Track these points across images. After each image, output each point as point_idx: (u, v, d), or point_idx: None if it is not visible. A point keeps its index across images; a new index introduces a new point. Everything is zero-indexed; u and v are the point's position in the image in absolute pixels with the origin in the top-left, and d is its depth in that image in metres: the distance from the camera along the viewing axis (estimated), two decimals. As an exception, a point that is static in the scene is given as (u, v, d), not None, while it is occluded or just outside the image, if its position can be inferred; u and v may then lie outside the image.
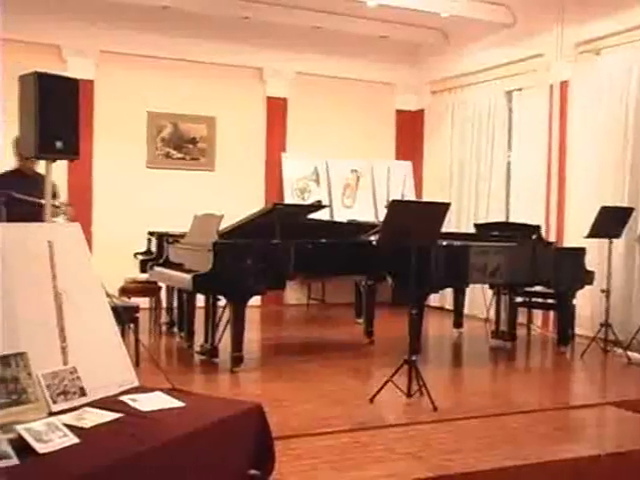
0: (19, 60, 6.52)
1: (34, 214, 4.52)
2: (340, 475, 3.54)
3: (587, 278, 6.97)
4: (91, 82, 8.60)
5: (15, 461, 2.33)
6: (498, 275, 6.47)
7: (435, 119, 10.27)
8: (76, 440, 2.57)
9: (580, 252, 6.94)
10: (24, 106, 4.39)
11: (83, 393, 3.08)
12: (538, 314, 8.11)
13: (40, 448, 2.45)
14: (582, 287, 6.99)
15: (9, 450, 2.35)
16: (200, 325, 6.40)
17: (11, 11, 8.13)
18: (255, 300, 6.23)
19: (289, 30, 9.39)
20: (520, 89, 8.88)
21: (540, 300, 7.57)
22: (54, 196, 5.96)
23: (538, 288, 7.33)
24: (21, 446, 2.42)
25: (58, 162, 4.68)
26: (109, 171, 8.80)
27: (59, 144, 4.34)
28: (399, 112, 10.62)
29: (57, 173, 5.00)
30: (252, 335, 6.87)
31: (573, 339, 7.08)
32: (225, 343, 5.92)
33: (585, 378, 6.17)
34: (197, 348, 6.33)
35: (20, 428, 2.50)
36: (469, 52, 9.48)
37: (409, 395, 4.86)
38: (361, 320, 7.70)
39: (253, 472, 3.29)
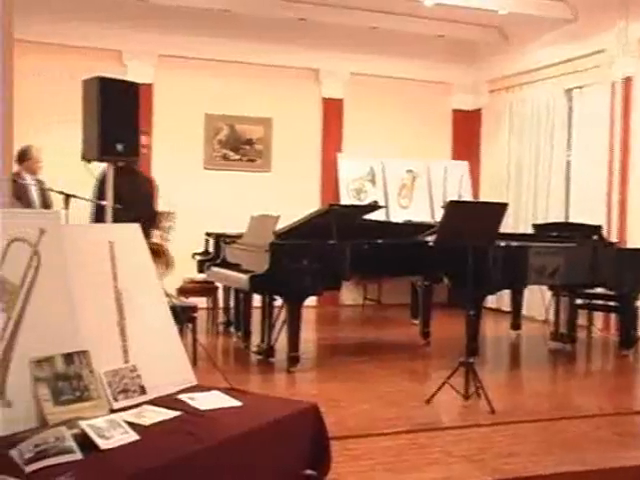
0: (82, 66, 6.71)
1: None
2: (396, 477, 3.52)
3: (650, 280, 6.80)
4: (150, 85, 8.75)
5: (79, 456, 2.39)
6: (557, 276, 6.36)
7: (492, 118, 10.14)
8: (136, 437, 2.61)
9: (643, 253, 6.77)
10: (87, 109, 4.50)
11: (143, 391, 3.13)
12: (599, 316, 7.94)
13: (102, 444, 2.50)
14: (645, 289, 6.82)
15: (74, 445, 2.41)
16: (257, 325, 6.46)
17: (74, 19, 8.40)
18: (311, 300, 6.25)
19: (345, 31, 9.39)
20: (581, 87, 8.70)
21: (601, 302, 7.41)
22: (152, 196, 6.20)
23: (599, 290, 7.18)
24: (84, 442, 2.48)
25: (119, 164, 4.79)
26: (167, 173, 8.93)
27: (120, 146, 4.44)
28: (456, 112, 10.52)
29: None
30: (308, 335, 6.89)
31: (636, 342, 6.90)
32: (281, 343, 5.96)
33: (648, 382, 6.02)
34: (254, 348, 6.38)
35: (84, 424, 2.56)
36: (528, 50, 9.33)
37: (466, 397, 4.81)
38: (417, 321, 7.65)
39: (309, 472, 3.30)
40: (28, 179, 6.41)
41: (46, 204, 6.44)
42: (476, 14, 8.80)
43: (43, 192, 6.44)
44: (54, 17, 8.26)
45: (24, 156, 6.55)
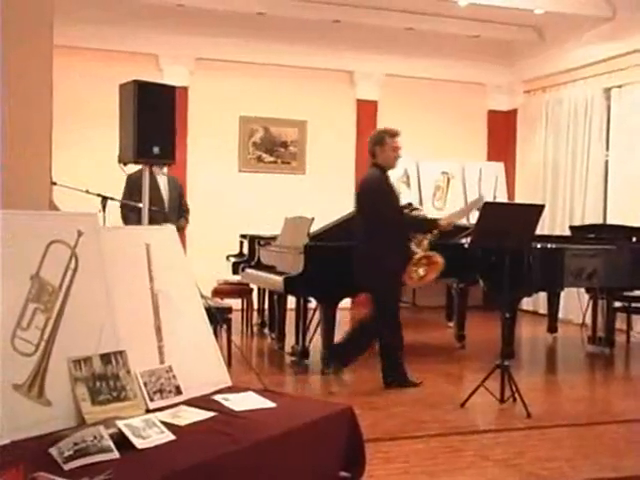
0: (118, 70, 6.79)
1: None
2: (431, 480, 3.51)
3: (691, 282, 6.67)
4: (185, 89, 8.83)
5: (116, 455, 2.42)
6: (595, 279, 6.27)
7: (528, 119, 10.05)
8: (172, 437, 2.64)
9: (684, 255, 6.64)
10: (124, 113, 4.56)
11: (178, 391, 3.16)
12: (638, 320, 7.81)
13: (139, 444, 2.53)
14: (686, 292, 6.70)
15: (111, 444, 2.45)
16: (291, 327, 6.48)
17: (112, 24, 8.51)
18: (345, 302, 6.25)
19: (379, 32, 9.38)
20: (620, 86, 8.57)
21: (640, 305, 7.29)
22: (181, 197, 6.38)
23: (638, 292, 7.07)
24: (121, 441, 2.51)
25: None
26: (202, 175, 9.02)
27: (156, 149, 4.49)
28: (491, 112, 10.45)
29: (154, 177, 5.19)
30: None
31: (676, 346, 6.79)
32: (316, 345, 5.97)
33: (689, 387, 5.91)
34: (288, 349, 6.40)
35: (120, 424, 2.59)
36: (565, 49, 9.22)
37: (502, 401, 4.77)
38: (452, 323, 7.61)
39: (344, 474, 3.30)
40: (157, 171, 6.22)
41: (176, 199, 6.47)
42: (511, 14, 8.72)
43: (174, 186, 6.49)
44: (92, 22, 8.38)
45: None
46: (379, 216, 5.14)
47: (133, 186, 5.75)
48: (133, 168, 4.95)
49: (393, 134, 5.25)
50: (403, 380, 5.26)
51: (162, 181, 6.30)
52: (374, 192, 5.19)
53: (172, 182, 6.47)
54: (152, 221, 5.24)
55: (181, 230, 6.30)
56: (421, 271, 4.94)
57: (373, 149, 5.23)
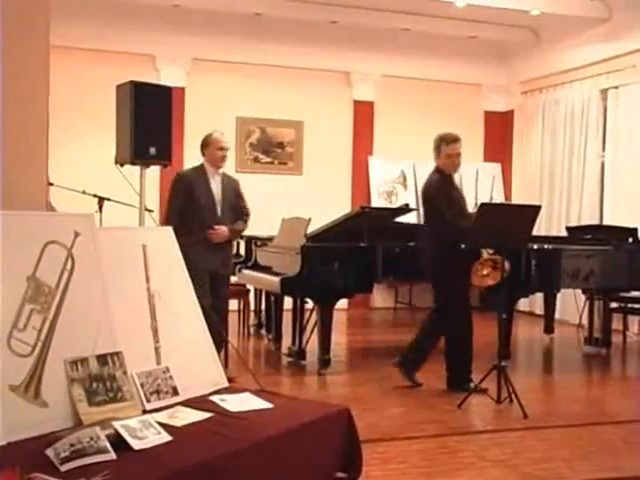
0: (115, 70, 6.78)
1: None
2: (428, 481, 3.51)
3: (688, 283, 6.69)
4: (182, 89, 8.84)
5: (113, 456, 2.42)
6: (591, 280, 6.29)
7: (525, 120, 10.06)
8: (169, 438, 2.64)
9: (680, 256, 6.66)
10: (120, 113, 4.56)
11: (175, 392, 3.16)
12: (634, 320, 7.83)
13: (135, 444, 2.53)
14: (682, 293, 6.71)
15: (107, 445, 2.44)
16: (288, 327, 6.47)
17: (108, 25, 8.51)
18: (342, 303, 6.25)
19: (376, 33, 9.39)
20: (616, 86, 8.59)
21: (637, 306, 7.30)
22: (239, 198, 5.51)
23: (634, 293, 7.08)
24: (118, 442, 2.51)
25: (151, 167, 4.84)
26: (199, 176, 8.99)
27: (153, 150, 4.49)
28: (487, 113, 10.46)
29: (150, 178, 5.18)
30: (339, 338, 6.90)
31: (672, 347, 6.81)
32: (312, 345, 5.97)
33: (686, 388, 5.92)
34: (285, 350, 6.40)
35: (117, 424, 2.59)
36: (561, 50, 9.24)
37: (499, 401, 4.77)
38: (449, 324, 7.60)
39: (340, 475, 3.30)
40: (210, 172, 5.40)
41: (232, 200, 5.46)
42: (508, 15, 8.74)
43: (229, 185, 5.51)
44: (88, 23, 8.38)
45: (203, 144, 5.51)
46: (435, 219, 5.18)
47: (183, 187, 5.28)
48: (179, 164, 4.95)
49: (449, 141, 5.24)
50: (459, 385, 5.18)
51: (215, 181, 5.44)
52: (430, 196, 5.23)
53: (228, 182, 5.52)
54: (204, 222, 5.16)
55: (238, 234, 5.70)
56: (485, 271, 4.95)
57: (434, 153, 5.27)
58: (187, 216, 5.17)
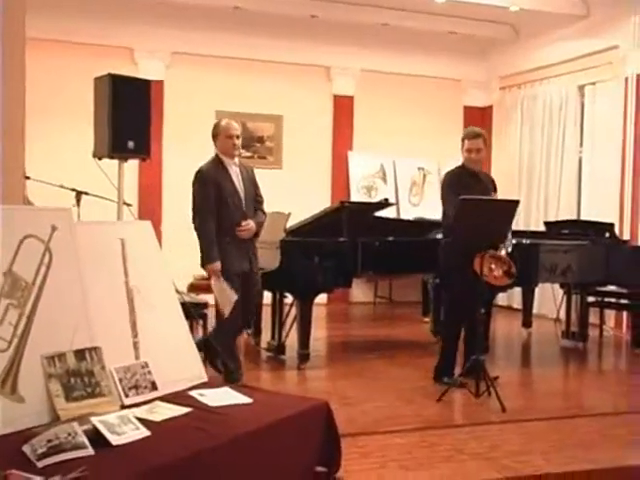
0: (93, 63, 6.73)
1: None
2: (407, 474, 3.53)
3: (663, 277, 6.76)
4: (161, 83, 8.76)
5: (91, 451, 2.40)
6: (569, 274, 6.34)
7: (504, 115, 10.12)
8: (147, 433, 2.63)
9: (656, 251, 6.74)
10: (98, 107, 4.53)
11: (154, 387, 3.15)
12: (611, 314, 7.91)
13: (113, 440, 2.51)
14: (658, 287, 6.79)
15: (85, 441, 2.43)
16: (267, 322, 6.47)
17: (87, 17, 8.43)
18: (322, 298, 6.26)
19: (356, 28, 9.39)
20: (594, 83, 8.66)
21: (613, 300, 7.38)
22: (255, 186, 5.16)
23: (611, 288, 7.15)
24: (96, 437, 2.49)
25: (129, 161, 4.81)
26: (178, 170, 8.94)
27: (131, 144, 4.47)
28: (467, 108, 10.50)
29: (129, 172, 5.15)
30: (319, 333, 6.91)
31: (648, 341, 6.88)
32: (292, 340, 5.97)
33: (661, 381, 5.99)
34: (264, 345, 6.40)
35: (95, 420, 2.58)
36: (540, 46, 9.29)
37: (477, 395, 4.80)
38: (428, 318, 7.65)
39: (320, 469, 3.31)
40: (227, 164, 5.03)
41: (251, 190, 5.09)
42: (487, 11, 8.78)
43: (247, 175, 5.12)
44: (66, 15, 8.30)
45: (213, 134, 5.18)
46: (444, 210, 5.30)
47: (211, 185, 4.89)
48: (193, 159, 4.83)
49: (469, 137, 5.46)
50: (439, 377, 5.24)
51: (234, 172, 5.04)
52: (443, 187, 5.41)
53: (245, 172, 5.11)
54: (233, 219, 4.85)
55: (261, 226, 5.14)
56: (493, 266, 4.96)
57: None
58: (218, 215, 4.86)
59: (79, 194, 5.52)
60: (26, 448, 2.36)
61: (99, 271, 3.21)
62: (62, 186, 5.53)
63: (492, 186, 5.39)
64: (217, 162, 5.02)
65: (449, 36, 9.74)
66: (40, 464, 2.29)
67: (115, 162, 4.70)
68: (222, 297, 4.88)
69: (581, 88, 8.88)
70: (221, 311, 4.89)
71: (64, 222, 3.05)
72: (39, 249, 2.91)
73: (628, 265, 6.64)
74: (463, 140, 5.44)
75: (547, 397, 5.14)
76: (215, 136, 5.09)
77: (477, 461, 3.73)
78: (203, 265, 4.92)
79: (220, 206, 4.88)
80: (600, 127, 8.53)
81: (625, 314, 7.72)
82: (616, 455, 3.89)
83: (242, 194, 5.00)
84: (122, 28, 8.63)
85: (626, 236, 7.78)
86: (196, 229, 4.89)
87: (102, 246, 3.31)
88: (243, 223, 4.91)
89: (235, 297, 4.83)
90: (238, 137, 5.06)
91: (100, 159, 4.61)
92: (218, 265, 4.85)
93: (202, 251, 4.86)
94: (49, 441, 2.38)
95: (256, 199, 5.14)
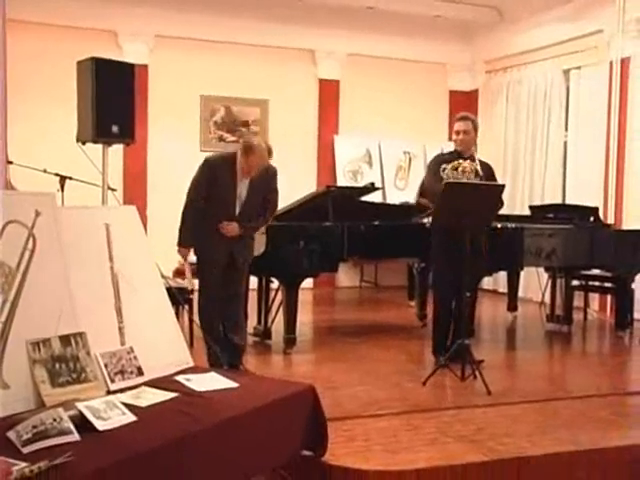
0: (76, 46, 6.65)
1: None
2: (392, 457, 3.54)
3: (647, 261, 6.82)
4: (145, 67, 8.69)
5: (76, 437, 2.40)
6: (554, 258, 6.37)
7: (489, 99, 10.12)
8: (133, 418, 2.63)
9: (639, 235, 6.78)
10: (81, 91, 4.49)
11: (140, 372, 3.15)
12: (595, 298, 7.97)
13: (100, 425, 2.52)
14: (642, 270, 6.84)
15: (71, 427, 2.42)
16: (253, 307, 6.47)
17: (68, -2, 8.32)
18: (308, 282, 6.26)
19: (341, 11, 9.33)
20: (578, 67, 8.67)
21: (597, 284, 7.43)
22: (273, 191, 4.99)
23: (595, 271, 7.20)
24: (81, 423, 2.49)
25: (114, 146, 4.77)
26: (163, 154, 8.91)
27: (115, 128, 4.43)
28: (452, 92, 10.50)
29: (113, 157, 5.11)
30: (305, 317, 6.91)
31: (632, 324, 6.94)
32: (278, 325, 5.97)
33: (644, 363, 6.05)
34: (250, 330, 6.39)
35: (81, 405, 2.57)
36: (525, 30, 9.28)
37: (462, 379, 4.83)
38: (414, 303, 7.68)
39: (306, 453, 3.33)
40: (239, 168, 4.83)
41: (260, 198, 4.94)
42: (473, -6, 8.76)
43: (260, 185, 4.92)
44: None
45: (251, 150, 4.79)
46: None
47: (205, 175, 4.85)
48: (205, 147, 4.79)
49: (456, 119, 5.52)
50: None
51: (242, 182, 4.87)
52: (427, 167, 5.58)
53: (259, 182, 4.90)
54: (219, 216, 4.76)
55: (253, 230, 5.03)
56: None
57: None
58: (208, 207, 4.82)
59: (63, 179, 5.47)
60: (11, 434, 2.36)
61: (84, 256, 3.20)
62: (45, 171, 5.49)
63: (485, 173, 5.34)
64: (230, 160, 4.86)
65: (434, 20, 9.70)
66: (25, 450, 2.29)
67: (99, 146, 4.66)
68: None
69: (566, 72, 8.89)
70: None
71: (48, 207, 3.04)
72: (23, 234, 2.89)
73: (612, 249, 6.67)
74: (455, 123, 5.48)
75: (532, 380, 5.18)
76: (250, 153, 4.76)
77: (462, 444, 3.75)
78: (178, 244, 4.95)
79: (212, 200, 4.81)
80: (585, 111, 8.55)
81: (609, 297, 7.78)
82: (599, 436, 3.93)
83: (240, 200, 4.87)
84: (106, 11, 8.52)
85: (610, 220, 7.83)
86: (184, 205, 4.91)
87: (87, 231, 3.30)
88: (225, 223, 4.82)
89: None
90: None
91: (84, 144, 4.57)
92: (186, 251, 4.95)
93: (179, 232, 4.91)
94: (34, 427, 2.37)
95: (263, 204, 4.99)
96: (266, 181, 4.97)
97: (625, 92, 7.93)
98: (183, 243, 4.90)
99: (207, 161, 4.94)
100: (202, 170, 4.91)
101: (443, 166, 5.28)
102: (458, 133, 5.38)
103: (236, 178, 4.85)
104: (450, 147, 9.28)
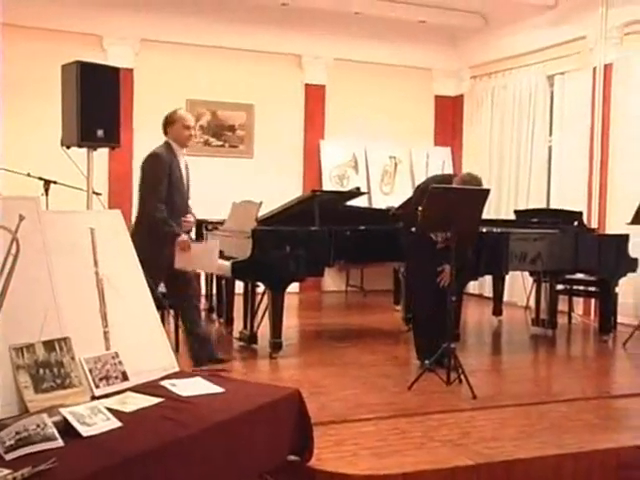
0: (61, 50, 6.62)
1: None
2: (379, 461, 3.54)
3: (630, 265, 6.85)
4: (130, 70, 8.67)
5: (60, 443, 2.37)
6: (539, 262, 6.39)
7: (475, 104, 10.16)
8: (118, 424, 2.61)
9: (623, 239, 6.82)
10: (66, 94, 4.46)
11: (125, 378, 3.12)
12: (579, 302, 8.01)
13: (84, 431, 2.49)
14: (625, 274, 6.87)
15: (55, 433, 2.40)
16: (239, 311, 6.45)
17: (55, 2, 8.28)
18: (293, 287, 6.25)
19: (327, 16, 9.34)
20: (562, 72, 8.73)
21: (581, 288, 7.47)
22: None
23: (580, 276, 7.24)
24: (65, 429, 2.47)
25: (99, 150, 4.75)
26: (149, 159, 8.85)
27: (100, 132, 4.41)
28: (438, 98, 10.53)
29: (98, 161, 5.08)
30: (291, 322, 6.90)
31: (615, 327, 6.98)
32: (264, 329, 5.95)
33: (628, 367, 6.07)
34: (236, 334, 6.38)
35: (65, 411, 2.55)
36: (510, 36, 9.33)
37: (448, 383, 4.83)
38: (399, 307, 7.69)
39: (292, 458, 3.31)
40: (178, 154, 5.02)
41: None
42: (457, 0, 8.79)
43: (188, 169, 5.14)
44: (34, 1, 8.14)
45: (168, 121, 5.08)
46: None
47: (164, 169, 4.87)
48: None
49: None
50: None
51: (182, 163, 5.06)
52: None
53: (187, 165, 5.16)
54: (180, 210, 4.89)
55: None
56: None
57: None
58: (168, 201, 4.85)
59: (47, 183, 5.43)
60: (-6, 440, 2.33)
61: (68, 261, 3.17)
62: (29, 175, 5.45)
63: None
64: (169, 149, 4.98)
65: (420, 25, 9.73)
66: (8, 457, 2.27)
67: (84, 150, 4.63)
68: (209, 256, 5.06)
69: (550, 78, 8.94)
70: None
71: (32, 211, 3.01)
72: (6, 239, 2.86)
73: (596, 253, 6.71)
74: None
75: (517, 383, 5.19)
76: (171, 124, 5.03)
77: (448, 448, 3.75)
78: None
79: (171, 192, 4.87)
80: (569, 116, 8.61)
81: (593, 301, 7.82)
82: (584, 439, 3.94)
83: (186, 186, 5.07)
84: (91, 14, 8.49)
85: (594, 224, 7.88)
86: (149, 211, 4.85)
87: (71, 235, 3.27)
88: (188, 216, 4.97)
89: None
90: (193, 129, 5.13)
91: (69, 148, 4.54)
92: (185, 236, 4.95)
93: (162, 232, 4.83)
94: (17, 433, 2.35)
95: None
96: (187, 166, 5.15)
97: (608, 97, 7.99)
98: (178, 234, 4.88)
99: (157, 154, 4.93)
100: (159, 163, 4.89)
101: None
102: None
103: (179, 162, 5.00)
104: (436, 153, 9.34)
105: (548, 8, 8.65)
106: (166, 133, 5.05)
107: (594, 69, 8.14)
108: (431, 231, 5.03)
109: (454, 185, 5.15)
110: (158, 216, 4.82)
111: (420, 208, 4.88)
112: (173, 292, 5.15)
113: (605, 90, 8.02)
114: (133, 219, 5.01)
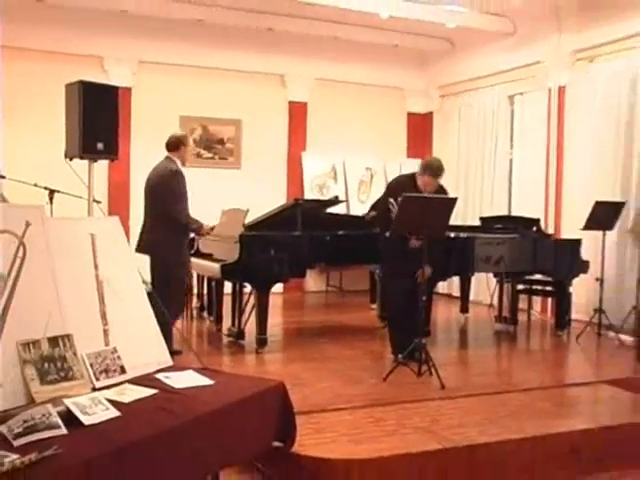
0: (65, 70, 6.59)
1: None
2: (357, 447, 3.55)
3: (583, 267, 6.93)
4: (129, 89, 8.64)
5: (64, 431, 2.37)
6: (501, 264, 6.45)
7: (443, 121, 10.23)
8: (117, 413, 2.61)
9: (576, 243, 6.90)
10: (70, 111, 4.45)
11: (123, 371, 3.12)
12: (538, 300, 8.08)
13: (85, 420, 2.49)
14: (578, 275, 6.95)
15: (59, 421, 2.39)
16: (228, 310, 6.44)
17: (60, 27, 8.26)
18: (278, 287, 6.24)
19: (309, 40, 9.38)
20: (522, 93, 8.82)
21: (539, 288, 7.53)
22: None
23: (538, 276, 7.29)
24: (68, 418, 2.46)
25: (99, 161, 4.73)
26: (145, 170, 8.79)
27: (100, 145, 4.40)
28: (410, 114, 10.59)
29: (98, 172, 5.06)
30: (275, 320, 6.90)
31: (569, 324, 7.04)
32: (251, 326, 5.95)
33: (581, 359, 6.14)
34: (225, 331, 6.37)
35: (68, 402, 2.54)
36: (474, 59, 9.42)
37: (419, 374, 4.86)
38: (375, 306, 7.71)
39: (277, 444, 3.32)
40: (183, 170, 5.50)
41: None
42: (426, 26, 8.86)
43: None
44: (41, 25, 8.11)
45: (180, 142, 5.54)
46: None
47: (184, 181, 5.47)
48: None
49: (432, 172, 5.22)
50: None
51: None
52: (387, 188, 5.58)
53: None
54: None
55: None
56: None
57: None
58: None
59: (52, 192, 5.41)
60: (3, 428, 2.33)
61: (71, 264, 3.17)
62: (36, 185, 5.42)
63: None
64: (178, 166, 5.45)
65: (393, 48, 9.81)
66: (16, 443, 2.26)
67: (86, 162, 4.61)
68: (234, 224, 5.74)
69: (511, 97, 9.03)
70: None
71: (37, 218, 3.00)
72: (14, 243, 2.85)
73: (552, 256, 6.78)
74: (424, 170, 5.19)
75: (481, 375, 5.22)
76: (183, 145, 5.54)
77: (419, 434, 3.78)
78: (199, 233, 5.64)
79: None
80: (528, 132, 8.69)
81: (550, 300, 7.88)
82: (542, 425, 3.98)
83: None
84: (92, 38, 8.46)
85: (550, 230, 7.96)
86: (178, 216, 5.33)
87: (73, 240, 3.27)
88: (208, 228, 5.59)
89: None
90: None
91: (71, 159, 4.52)
92: (208, 225, 5.55)
93: (192, 228, 5.47)
94: (25, 422, 2.34)
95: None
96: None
97: (562, 116, 8.09)
98: (203, 225, 5.49)
99: (180, 172, 5.41)
100: (183, 178, 5.38)
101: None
102: (430, 185, 5.16)
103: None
104: (408, 165, 9.36)
105: (508, 35, 8.74)
106: (173, 150, 5.47)
107: (549, 90, 8.23)
108: (404, 234, 5.03)
109: (425, 192, 5.16)
110: (189, 219, 5.40)
111: (392, 207, 4.92)
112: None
113: (559, 109, 8.12)
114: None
